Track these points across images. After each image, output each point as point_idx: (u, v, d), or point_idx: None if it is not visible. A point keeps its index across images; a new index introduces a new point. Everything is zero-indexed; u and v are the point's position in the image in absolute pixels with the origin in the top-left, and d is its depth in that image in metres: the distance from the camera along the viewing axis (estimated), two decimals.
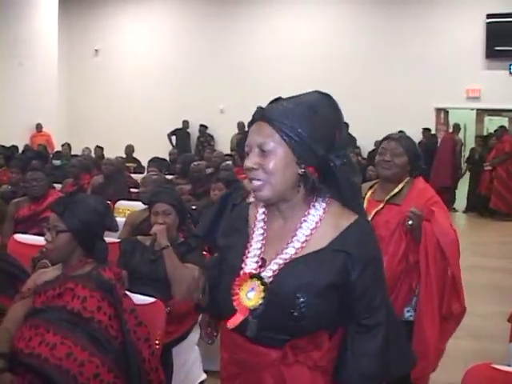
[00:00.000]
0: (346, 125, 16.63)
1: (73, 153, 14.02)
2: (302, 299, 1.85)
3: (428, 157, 14.33)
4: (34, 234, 4.89)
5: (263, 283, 1.89)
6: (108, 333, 2.82)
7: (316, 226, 1.95)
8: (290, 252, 1.92)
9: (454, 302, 3.50)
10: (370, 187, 3.75)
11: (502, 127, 14.72)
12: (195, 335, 3.95)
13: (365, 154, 14.28)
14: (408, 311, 3.53)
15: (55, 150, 15.34)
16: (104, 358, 2.74)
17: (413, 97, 15.35)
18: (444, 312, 3.49)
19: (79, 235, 3.00)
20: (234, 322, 1.93)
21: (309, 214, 1.97)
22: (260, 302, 1.88)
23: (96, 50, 19.38)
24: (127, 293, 3.03)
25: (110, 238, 4.25)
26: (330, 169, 1.94)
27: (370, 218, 3.31)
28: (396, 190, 3.59)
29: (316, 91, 2.02)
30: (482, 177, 13.74)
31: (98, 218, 3.07)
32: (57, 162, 10.93)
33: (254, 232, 2.03)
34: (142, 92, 18.17)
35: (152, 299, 3.29)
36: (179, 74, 17.77)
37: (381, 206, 3.57)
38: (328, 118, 1.95)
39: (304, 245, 1.93)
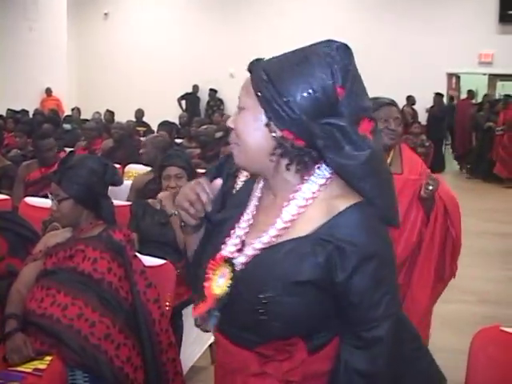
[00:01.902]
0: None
1: (82, 117, 14.02)
2: (269, 295, 1.55)
3: (440, 122, 14.32)
4: (45, 197, 4.91)
5: (232, 270, 1.63)
6: (118, 294, 2.84)
7: (306, 203, 1.60)
8: (271, 234, 1.61)
9: (453, 264, 3.52)
10: None
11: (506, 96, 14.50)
12: None
13: None
14: None
15: (65, 114, 15.33)
16: (114, 319, 2.76)
17: (424, 62, 15.23)
18: (447, 276, 3.51)
19: (81, 199, 2.99)
20: (197, 310, 1.70)
21: (300, 189, 1.61)
22: (225, 291, 1.62)
23: (105, 14, 19.28)
24: (137, 254, 3.04)
25: (120, 202, 4.25)
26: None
27: None
28: (389, 158, 3.43)
29: (329, 40, 1.61)
30: (493, 142, 13.59)
31: (96, 177, 3.03)
32: (67, 126, 10.90)
33: (245, 209, 1.75)
34: (151, 56, 18.08)
35: (162, 261, 3.29)
36: (189, 39, 17.66)
37: None
38: (326, 73, 1.54)
39: (288, 226, 1.60)
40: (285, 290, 1.55)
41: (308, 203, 1.60)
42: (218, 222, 1.78)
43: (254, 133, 1.59)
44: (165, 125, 8.73)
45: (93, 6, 19.17)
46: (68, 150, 7.71)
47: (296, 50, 1.62)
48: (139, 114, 13.49)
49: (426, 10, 15.53)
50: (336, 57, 1.55)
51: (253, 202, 1.74)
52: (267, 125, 1.57)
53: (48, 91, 16.43)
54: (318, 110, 1.54)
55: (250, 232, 1.69)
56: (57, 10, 16.86)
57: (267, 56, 1.68)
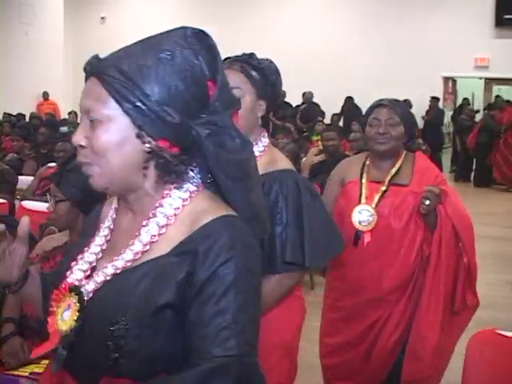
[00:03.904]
0: (351, 99, 16.94)
1: (79, 121, 14.01)
2: (120, 326, 1.29)
3: (436, 126, 14.31)
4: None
5: (80, 300, 1.36)
6: None
7: (168, 222, 1.38)
8: (126, 258, 1.37)
9: (468, 294, 3.08)
10: (362, 167, 3.20)
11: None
12: None
13: None
14: None
15: (61, 118, 15.32)
16: None
17: (420, 65, 15.25)
18: (457, 307, 3.06)
19: (78, 202, 2.99)
20: (38, 350, 1.43)
21: (161, 205, 1.39)
22: (73, 325, 1.35)
23: (102, 18, 19.29)
24: None
25: None
26: (195, 142, 1.36)
27: (373, 204, 3.04)
28: (395, 167, 3.10)
29: (182, 27, 1.40)
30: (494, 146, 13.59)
31: None
32: (64, 129, 10.90)
33: (97, 232, 1.51)
34: None
35: None
36: None
37: (383, 188, 3.08)
38: (193, 65, 1.35)
39: (147, 248, 1.36)
40: (139, 319, 1.30)
41: (170, 221, 1.38)
42: (65, 253, 1.54)
43: (120, 147, 1.34)
44: None
45: (90, 10, 19.18)
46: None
47: (150, 41, 1.39)
48: None
49: (422, 14, 15.55)
50: (196, 45, 1.37)
51: (106, 225, 1.50)
52: (139, 135, 1.34)
53: (45, 95, 16.43)
54: (192, 107, 1.35)
55: (103, 257, 1.45)
56: (53, 14, 16.86)
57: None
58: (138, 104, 1.31)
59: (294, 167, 2.50)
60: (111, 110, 1.33)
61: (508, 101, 14.57)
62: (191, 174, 1.42)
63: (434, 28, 15.37)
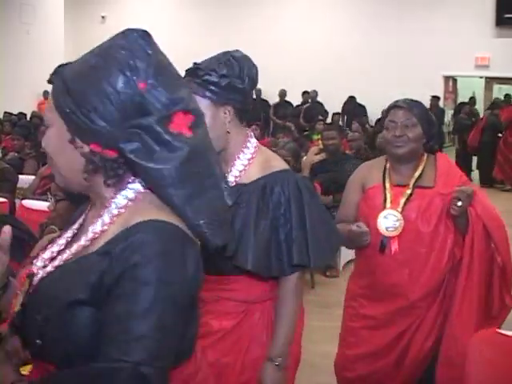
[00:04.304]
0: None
1: None
2: (42, 316, 1.35)
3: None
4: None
5: (28, 286, 1.45)
6: None
7: (111, 221, 1.41)
8: (72, 251, 1.44)
9: (506, 295, 2.93)
10: (383, 171, 3.06)
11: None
12: None
13: (373, 123, 14.21)
14: None
15: None
16: None
17: (421, 65, 15.25)
18: (495, 310, 2.93)
19: (77, 202, 2.99)
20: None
21: (109, 206, 1.42)
22: (17, 309, 1.43)
23: (103, 17, 19.30)
24: None
25: None
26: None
27: (399, 208, 2.90)
28: (419, 170, 2.98)
29: (129, 29, 1.41)
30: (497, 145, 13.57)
31: None
32: None
33: (71, 226, 1.59)
34: None
35: None
36: (186, 40, 17.66)
37: (408, 191, 2.94)
38: (127, 68, 1.35)
39: (88, 243, 1.41)
40: (58, 311, 1.33)
41: (113, 220, 1.40)
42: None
43: (62, 152, 1.41)
44: None
45: (90, 10, 19.19)
46: None
47: (95, 49, 1.42)
48: None
49: (422, 14, 15.54)
50: (135, 48, 1.36)
51: (80, 220, 1.56)
52: (71, 141, 1.37)
53: (45, 94, 16.41)
54: (122, 113, 1.34)
55: (64, 249, 1.49)
56: (54, 14, 16.87)
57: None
58: (67, 110, 1.35)
59: (288, 165, 2.42)
60: (53, 114, 1.40)
61: (506, 100, 14.57)
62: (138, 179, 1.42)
63: (434, 27, 15.35)
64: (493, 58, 15.37)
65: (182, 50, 17.79)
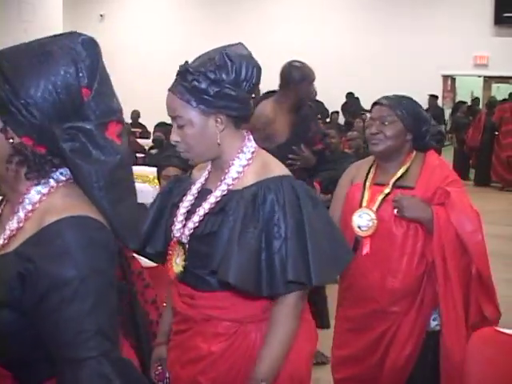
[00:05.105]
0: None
1: None
2: None
3: None
4: None
5: None
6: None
7: (26, 217, 1.39)
8: None
9: (485, 305, 2.85)
10: (368, 170, 3.00)
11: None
12: None
13: None
14: (434, 319, 2.87)
15: None
16: None
17: (419, 64, 15.24)
18: (472, 319, 2.81)
19: None
20: None
21: (23, 201, 1.41)
22: None
23: (101, 15, 19.25)
24: (135, 255, 3.04)
25: None
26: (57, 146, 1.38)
27: (375, 208, 2.83)
28: (402, 169, 2.88)
29: (74, 32, 1.46)
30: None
31: None
32: None
33: None
34: (148, 57, 18.06)
35: None
36: (186, 39, 17.64)
37: (387, 190, 2.85)
38: (69, 70, 1.38)
39: (5, 242, 1.39)
40: None
41: (28, 216, 1.39)
42: None
43: None
44: (161, 126, 8.72)
45: (89, 8, 19.14)
46: None
47: (38, 41, 1.44)
48: (135, 115, 13.49)
49: (422, 12, 15.53)
50: (82, 53, 1.40)
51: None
52: (3, 130, 1.36)
53: None
54: (61, 112, 1.36)
55: None
56: (52, 12, 16.81)
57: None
58: (5, 100, 1.34)
59: (289, 172, 2.16)
60: None
61: (504, 99, 14.55)
62: (58, 172, 1.43)
63: (433, 26, 15.35)
64: (491, 57, 15.37)
65: (180, 49, 17.83)
